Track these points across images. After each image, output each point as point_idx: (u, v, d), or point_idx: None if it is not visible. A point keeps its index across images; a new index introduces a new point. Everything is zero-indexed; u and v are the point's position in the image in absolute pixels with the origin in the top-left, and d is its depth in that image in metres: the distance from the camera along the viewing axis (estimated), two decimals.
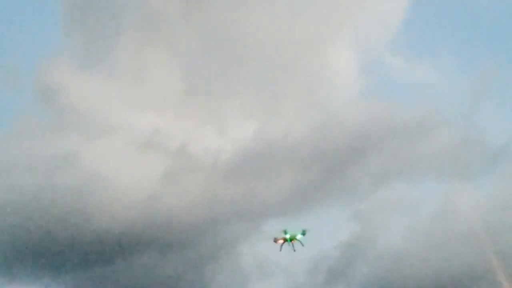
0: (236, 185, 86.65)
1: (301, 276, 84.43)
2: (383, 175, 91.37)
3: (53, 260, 76.14)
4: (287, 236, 45.38)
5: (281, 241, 45.49)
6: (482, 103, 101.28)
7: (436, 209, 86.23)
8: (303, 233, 45.14)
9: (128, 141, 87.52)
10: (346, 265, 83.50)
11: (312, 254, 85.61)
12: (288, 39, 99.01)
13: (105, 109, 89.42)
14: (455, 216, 78.90)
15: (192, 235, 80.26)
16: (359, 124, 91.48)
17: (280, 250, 46.04)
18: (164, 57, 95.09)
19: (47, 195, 76.56)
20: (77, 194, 78.18)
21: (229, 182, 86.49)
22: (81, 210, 76.49)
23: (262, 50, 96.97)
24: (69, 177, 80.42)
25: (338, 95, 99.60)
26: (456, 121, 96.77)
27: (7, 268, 76.89)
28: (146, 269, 79.48)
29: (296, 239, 45.35)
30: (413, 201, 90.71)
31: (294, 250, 45.63)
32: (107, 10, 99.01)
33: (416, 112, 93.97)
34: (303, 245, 45.07)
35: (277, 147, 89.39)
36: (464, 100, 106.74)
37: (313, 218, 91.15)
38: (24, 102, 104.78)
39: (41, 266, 76.67)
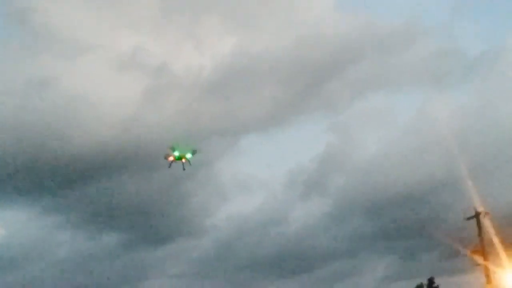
0: (216, 101, 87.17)
1: (279, 189, 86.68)
2: (360, 86, 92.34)
3: (31, 182, 77.64)
4: (176, 154, 43.82)
5: (171, 158, 43.97)
6: (460, 13, 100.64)
7: (412, 119, 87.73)
8: (192, 153, 43.34)
9: (106, 60, 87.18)
10: (322, 177, 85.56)
11: (290, 167, 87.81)
12: None
13: (80, 29, 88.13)
14: (429, 126, 79.86)
15: None
16: (337, 36, 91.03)
17: (169, 167, 44.17)
18: None
19: (24, 118, 76.71)
20: (55, 116, 78.35)
21: (209, 99, 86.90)
22: (60, 132, 77.06)
23: None
24: (47, 99, 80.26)
25: (317, 7, 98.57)
26: (434, 31, 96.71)
27: None
28: (126, 189, 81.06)
29: (186, 157, 43.91)
30: (389, 112, 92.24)
31: (184, 169, 43.86)
32: None
33: (394, 22, 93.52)
34: (190, 164, 43.39)
35: (257, 62, 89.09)
36: (442, 11, 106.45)
37: (291, 132, 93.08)
38: None
39: (18, 188, 78.24)
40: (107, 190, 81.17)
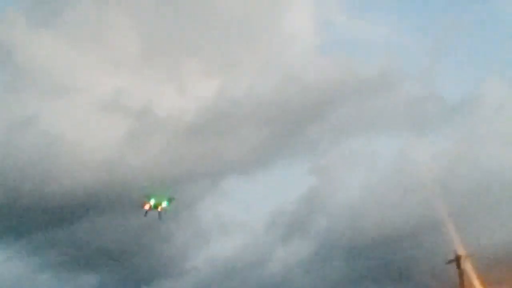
0: (198, 144, 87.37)
1: (260, 231, 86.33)
2: (341, 130, 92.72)
3: (12, 222, 76.95)
4: (152, 202, 42.91)
5: (147, 207, 43.02)
6: (441, 60, 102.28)
7: (392, 164, 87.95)
8: (169, 201, 42.69)
9: (88, 102, 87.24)
10: (304, 219, 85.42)
11: (271, 209, 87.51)
12: None
13: (62, 69, 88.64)
14: (410, 171, 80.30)
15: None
16: (318, 80, 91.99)
17: (145, 215, 43.11)
18: (121, 14, 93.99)
19: (5, 158, 76.73)
20: (37, 156, 78.45)
21: (190, 142, 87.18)
22: (40, 173, 76.94)
23: (220, 6, 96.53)
24: (28, 139, 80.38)
25: (298, 50, 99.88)
26: (414, 77, 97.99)
27: None
28: (107, 231, 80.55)
29: (161, 206, 42.97)
30: (371, 155, 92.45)
31: (160, 219, 43.00)
32: None
33: (375, 67, 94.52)
34: (166, 213, 42.42)
35: (239, 105, 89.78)
36: (423, 57, 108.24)
37: (274, 174, 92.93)
38: None
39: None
40: (87, 231, 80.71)
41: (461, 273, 54.20)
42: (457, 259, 54.19)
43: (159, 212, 43.10)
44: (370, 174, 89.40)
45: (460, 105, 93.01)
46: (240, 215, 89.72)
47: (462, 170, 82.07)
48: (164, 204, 42.77)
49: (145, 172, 78.05)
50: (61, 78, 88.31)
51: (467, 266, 54.31)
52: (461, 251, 54.46)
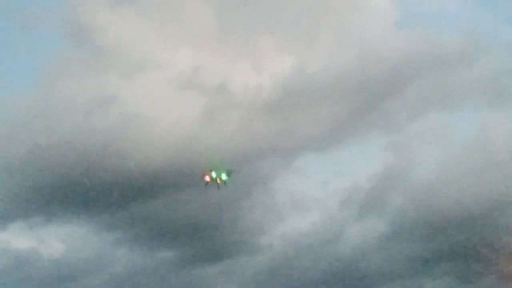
0: (274, 120, 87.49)
1: (335, 208, 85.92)
2: (419, 105, 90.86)
3: (90, 200, 79.36)
4: (213, 174, 44.66)
5: (207, 178, 44.86)
6: None
7: (471, 139, 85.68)
8: (228, 174, 44.23)
9: (166, 80, 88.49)
10: (380, 197, 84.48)
11: (347, 186, 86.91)
12: None
13: (140, 47, 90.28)
14: (489, 146, 78.31)
15: None
16: (396, 54, 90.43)
17: (205, 186, 45.07)
18: None
19: (85, 137, 78.77)
20: (115, 135, 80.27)
21: (266, 119, 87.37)
22: (119, 152, 78.73)
23: None
24: (107, 118, 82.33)
25: (374, 26, 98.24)
26: (495, 49, 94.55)
27: (46, 208, 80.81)
28: (184, 207, 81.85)
29: (221, 178, 44.63)
30: (449, 131, 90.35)
31: (218, 188, 44.77)
32: None
33: (454, 40, 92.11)
34: (225, 185, 44.12)
35: (314, 81, 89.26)
36: (504, 28, 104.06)
37: (349, 151, 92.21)
38: (57, 43, 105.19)
39: (78, 206, 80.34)
40: (164, 207, 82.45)
41: None
42: None
43: (218, 184, 44.77)
44: (448, 151, 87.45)
45: None
46: (315, 192, 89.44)
47: None
48: (224, 176, 44.28)
49: (221, 149, 78.77)
50: (139, 57, 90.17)
51: None
52: None
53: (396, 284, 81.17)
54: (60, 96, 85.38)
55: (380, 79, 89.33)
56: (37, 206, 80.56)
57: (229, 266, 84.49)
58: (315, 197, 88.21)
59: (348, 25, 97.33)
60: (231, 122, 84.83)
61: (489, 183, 76.68)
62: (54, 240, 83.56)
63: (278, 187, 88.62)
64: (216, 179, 45.34)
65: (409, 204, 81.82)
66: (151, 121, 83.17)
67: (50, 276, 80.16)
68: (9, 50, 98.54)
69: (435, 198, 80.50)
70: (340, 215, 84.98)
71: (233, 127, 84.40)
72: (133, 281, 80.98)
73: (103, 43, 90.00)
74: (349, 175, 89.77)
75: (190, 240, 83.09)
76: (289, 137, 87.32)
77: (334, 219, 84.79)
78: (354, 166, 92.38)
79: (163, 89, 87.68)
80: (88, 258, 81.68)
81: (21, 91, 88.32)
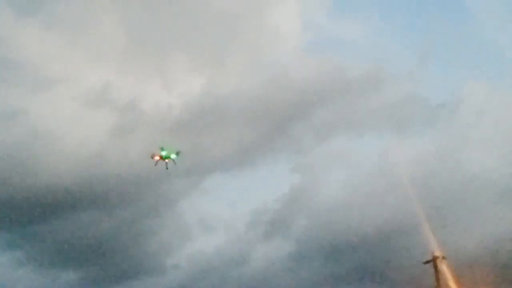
0: (183, 140, 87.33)
1: (242, 229, 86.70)
2: (326, 129, 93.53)
3: None
4: (163, 154, 47.56)
5: (157, 158, 47.54)
6: (427, 61, 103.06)
7: (375, 164, 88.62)
8: (177, 154, 48.12)
9: (75, 96, 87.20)
10: (286, 218, 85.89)
11: (253, 207, 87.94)
12: None
13: (48, 62, 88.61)
14: (391, 171, 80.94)
15: (135, 192, 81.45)
16: (304, 79, 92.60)
17: (155, 165, 48.12)
18: (108, 8, 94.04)
19: None
20: (20, 150, 78.38)
21: (175, 138, 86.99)
22: (23, 167, 76.92)
23: (207, 3, 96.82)
24: (13, 133, 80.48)
25: (284, 50, 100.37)
26: (399, 78, 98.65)
27: None
28: (88, 227, 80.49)
29: (170, 158, 47.74)
30: (353, 155, 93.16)
31: (167, 168, 48.30)
32: None
33: (361, 68, 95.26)
34: (175, 164, 48.03)
35: (224, 102, 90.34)
36: (409, 58, 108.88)
37: (257, 173, 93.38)
38: None
39: None
40: (69, 227, 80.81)
41: (437, 274, 54.84)
42: (434, 260, 54.82)
43: (166, 163, 47.49)
44: (352, 174, 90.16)
45: (442, 107, 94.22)
46: (222, 213, 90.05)
47: (442, 171, 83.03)
48: (173, 156, 47.10)
49: (128, 167, 78.22)
50: (46, 71, 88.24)
51: (443, 267, 54.95)
52: (437, 252, 55.09)
53: None
54: None
55: (289, 102, 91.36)
56: None
57: (135, 287, 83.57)
58: (223, 218, 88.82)
59: (259, 49, 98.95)
60: (140, 141, 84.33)
61: (390, 206, 79.22)
62: None
63: (186, 208, 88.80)
64: (166, 158, 48.07)
65: (314, 225, 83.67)
66: (58, 137, 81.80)
67: None
68: None
69: (339, 220, 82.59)
70: (247, 236, 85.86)
71: (141, 145, 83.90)
72: None
73: (10, 56, 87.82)
74: (257, 197, 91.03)
75: (95, 261, 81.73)
76: (197, 157, 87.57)
77: (241, 240, 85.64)
78: (261, 187, 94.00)
79: (72, 105, 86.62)
80: None
81: None
